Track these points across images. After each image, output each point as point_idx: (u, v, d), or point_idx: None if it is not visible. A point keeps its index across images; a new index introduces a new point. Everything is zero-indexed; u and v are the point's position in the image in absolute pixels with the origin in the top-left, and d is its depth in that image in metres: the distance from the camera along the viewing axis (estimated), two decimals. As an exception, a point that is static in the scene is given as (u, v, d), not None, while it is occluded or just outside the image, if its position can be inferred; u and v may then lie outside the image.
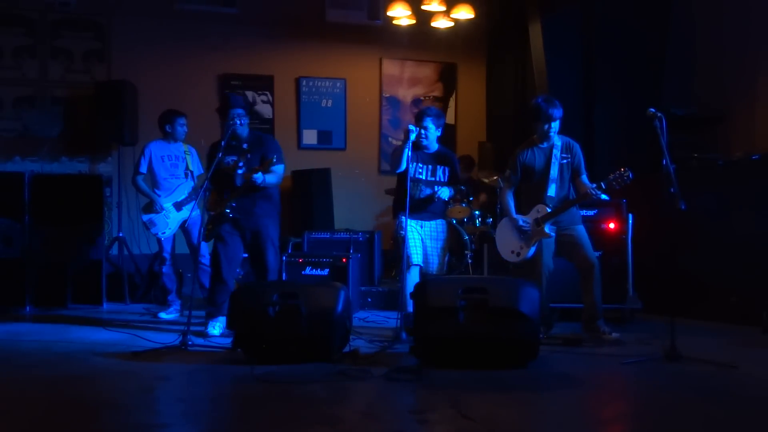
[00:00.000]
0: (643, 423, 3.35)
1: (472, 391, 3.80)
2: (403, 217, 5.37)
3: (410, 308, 5.28)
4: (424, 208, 5.50)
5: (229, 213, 5.44)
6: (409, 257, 5.37)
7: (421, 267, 5.46)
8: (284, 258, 6.76)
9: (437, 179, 5.53)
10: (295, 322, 4.36)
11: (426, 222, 5.53)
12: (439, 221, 5.63)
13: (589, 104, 7.66)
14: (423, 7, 8.06)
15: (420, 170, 5.47)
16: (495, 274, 6.35)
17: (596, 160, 7.03)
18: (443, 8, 8.11)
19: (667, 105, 6.66)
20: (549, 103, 5.31)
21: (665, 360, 4.36)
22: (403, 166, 5.40)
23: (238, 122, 5.47)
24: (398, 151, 5.43)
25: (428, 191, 5.48)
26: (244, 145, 5.57)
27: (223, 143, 5.36)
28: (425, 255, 5.52)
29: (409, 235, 5.41)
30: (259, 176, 5.33)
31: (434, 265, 5.54)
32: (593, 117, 7.59)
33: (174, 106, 7.04)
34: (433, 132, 5.53)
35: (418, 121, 5.53)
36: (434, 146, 5.58)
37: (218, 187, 5.57)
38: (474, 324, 4.25)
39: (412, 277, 5.38)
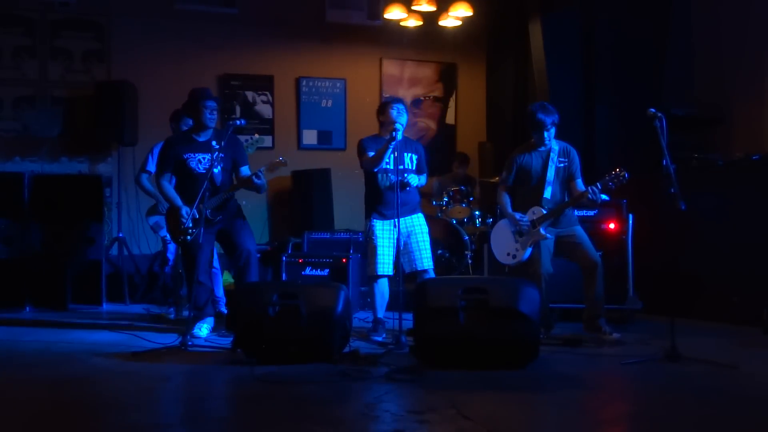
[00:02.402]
0: (643, 423, 3.35)
1: (472, 391, 3.80)
2: (374, 220, 5.35)
3: (380, 313, 5.39)
4: (395, 201, 5.22)
5: (217, 217, 5.32)
6: (375, 267, 5.31)
7: (390, 276, 5.31)
8: (284, 258, 6.75)
9: (404, 167, 5.35)
10: (295, 322, 4.35)
11: (402, 218, 5.27)
12: (416, 215, 5.47)
13: (589, 104, 7.65)
14: (414, 8, 8.01)
15: (387, 160, 5.28)
16: (495, 275, 6.34)
17: (596, 161, 7.03)
18: (433, 8, 8.04)
19: (668, 105, 6.64)
20: (542, 110, 5.25)
21: (665, 360, 4.35)
22: (379, 167, 5.28)
23: (209, 115, 5.37)
24: (381, 151, 5.23)
25: (395, 180, 5.23)
26: (213, 143, 5.41)
27: (197, 141, 5.35)
28: (410, 253, 5.38)
29: (379, 242, 5.33)
30: (264, 183, 5.30)
31: (419, 261, 5.37)
32: (593, 117, 7.58)
33: (174, 106, 7.00)
34: (405, 117, 5.38)
35: (387, 106, 5.37)
36: (400, 135, 5.41)
37: (185, 189, 5.39)
38: (474, 324, 4.24)
39: (381, 288, 5.37)
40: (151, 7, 8.47)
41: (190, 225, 5.25)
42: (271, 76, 8.90)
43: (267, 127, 8.77)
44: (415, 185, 5.38)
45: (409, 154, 5.43)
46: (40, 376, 4.17)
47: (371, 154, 5.33)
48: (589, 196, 5.07)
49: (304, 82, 8.97)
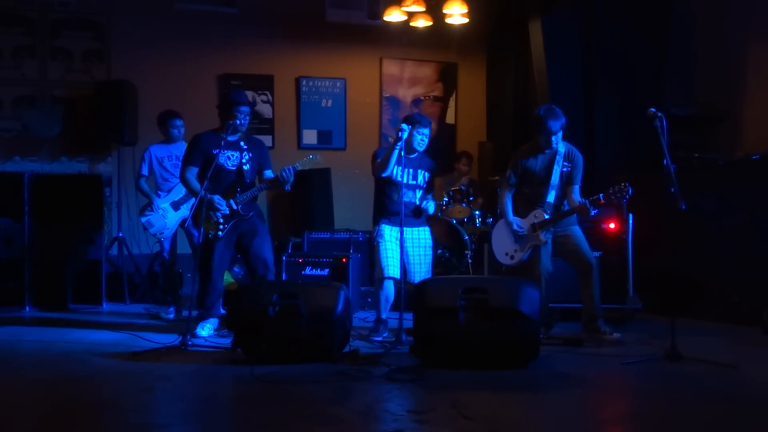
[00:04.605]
0: (643, 423, 3.35)
1: (472, 391, 3.80)
2: (382, 225, 5.40)
3: (383, 314, 5.41)
4: (408, 215, 5.38)
5: (240, 210, 5.37)
6: (382, 269, 5.33)
7: (396, 279, 5.29)
8: (284, 258, 6.75)
9: (417, 183, 5.47)
10: (295, 322, 4.35)
11: (408, 228, 5.38)
12: (423, 228, 5.55)
13: (589, 104, 7.64)
14: (403, 8, 7.98)
15: (401, 173, 5.35)
16: (495, 274, 6.34)
17: (596, 161, 7.02)
18: (422, 8, 8.00)
19: (668, 105, 6.66)
20: (550, 114, 5.20)
21: (666, 360, 4.36)
22: (389, 171, 5.32)
23: (241, 122, 5.42)
24: (388, 153, 5.28)
25: (409, 193, 5.40)
26: (242, 143, 5.52)
27: (226, 139, 5.34)
28: (407, 264, 5.39)
29: (387, 245, 5.35)
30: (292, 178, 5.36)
31: (418, 275, 5.40)
32: (593, 117, 7.57)
33: (174, 106, 7.04)
34: (427, 138, 5.49)
35: (408, 122, 5.40)
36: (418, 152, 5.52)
37: (213, 184, 5.33)
38: (474, 324, 4.24)
39: (386, 292, 5.36)
40: (151, 7, 8.46)
41: (227, 212, 5.34)
42: (271, 75, 8.89)
43: (267, 126, 8.77)
44: (431, 213, 5.52)
45: (423, 172, 5.50)
46: (40, 375, 4.17)
47: (379, 159, 5.40)
48: (587, 208, 5.06)
49: (304, 82, 8.96)
